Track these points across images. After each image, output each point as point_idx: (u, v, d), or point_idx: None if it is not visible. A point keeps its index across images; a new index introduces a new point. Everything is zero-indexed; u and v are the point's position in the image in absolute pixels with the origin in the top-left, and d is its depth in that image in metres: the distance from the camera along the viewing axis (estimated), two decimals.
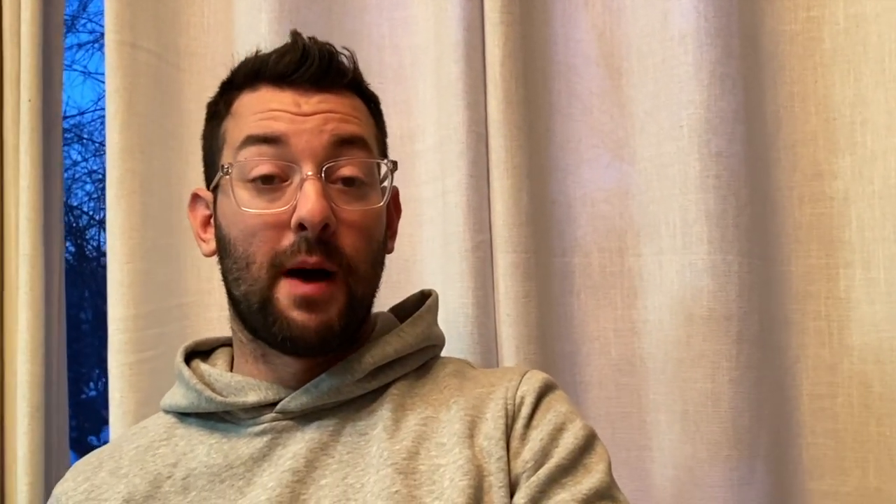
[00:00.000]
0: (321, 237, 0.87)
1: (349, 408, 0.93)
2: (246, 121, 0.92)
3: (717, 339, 1.19)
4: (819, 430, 1.25)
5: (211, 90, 1.36)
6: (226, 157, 0.93)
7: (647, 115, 1.27)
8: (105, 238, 1.33)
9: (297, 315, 0.88)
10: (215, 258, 0.98)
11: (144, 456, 0.94)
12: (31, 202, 1.33)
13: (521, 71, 1.25)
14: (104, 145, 1.34)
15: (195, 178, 1.36)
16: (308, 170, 0.89)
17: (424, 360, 0.99)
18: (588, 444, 0.90)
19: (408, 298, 1.06)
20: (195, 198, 1.00)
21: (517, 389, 0.93)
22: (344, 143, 0.91)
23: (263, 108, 0.91)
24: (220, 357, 1.01)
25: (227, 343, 1.03)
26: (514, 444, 0.89)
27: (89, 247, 3.80)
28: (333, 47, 0.95)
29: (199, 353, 1.02)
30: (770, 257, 1.25)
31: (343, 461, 0.89)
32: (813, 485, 1.24)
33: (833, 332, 1.24)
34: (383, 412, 0.92)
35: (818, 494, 1.24)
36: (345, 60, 0.96)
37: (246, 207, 0.89)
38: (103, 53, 1.33)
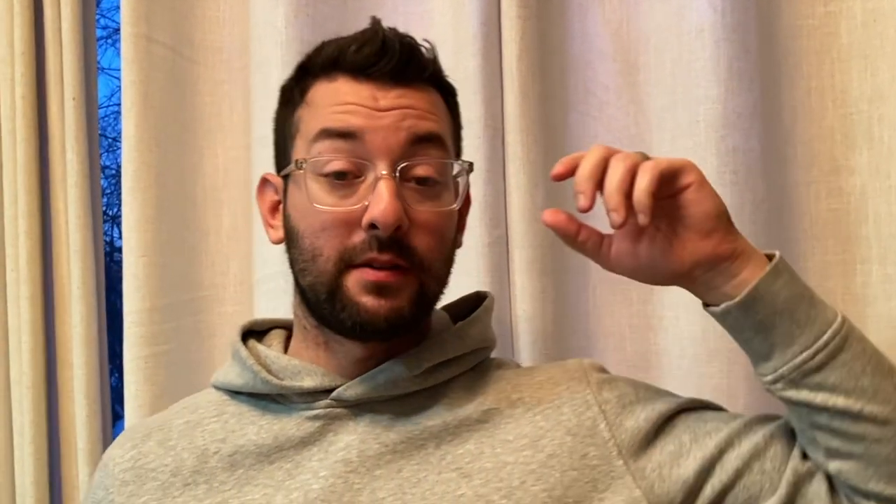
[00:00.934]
0: (393, 237, 0.87)
1: (404, 402, 0.93)
2: (321, 112, 0.91)
3: None
4: None
5: (227, 84, 1.37)
6: (299, 148, 0.92)
7: (664, 110, 1.26)
8: (117, 233, 1.34)
9: (367, 300, 0.88)
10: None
11: (194, 431, 0.95)
12: (79, 199, 1.35)
13: (538, 66, 1.25)
14: (117, 140, 1.35)
15: (210, 171, 1.37)
16: (382, 168, 0.88)
17: (478, 360, 0.99)
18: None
19: (462, 298, 1.06)
20: (264, 182, 1.00)
21: (588, 382, 0.96)
22: (420, 141, 0.90)
23: (340, 100, 0.90)
24: (275, 339, 1.02)
25: (281, 325, 1.04)
26: (617, 419, 0.93)
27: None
28: (414, 40, 0.94)
29: (253, 333, 1.03)
30: (786, 253, 1.23)
31: (398, 452, 0.89)
32: None
33: None
34: (441, 410, 0.92)
35: None
36: (425, 53, 0.94)
37: (317, 202, 0.89)
38: (116, 49, 1.34)
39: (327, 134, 0.90)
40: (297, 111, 0.94)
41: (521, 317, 1.22)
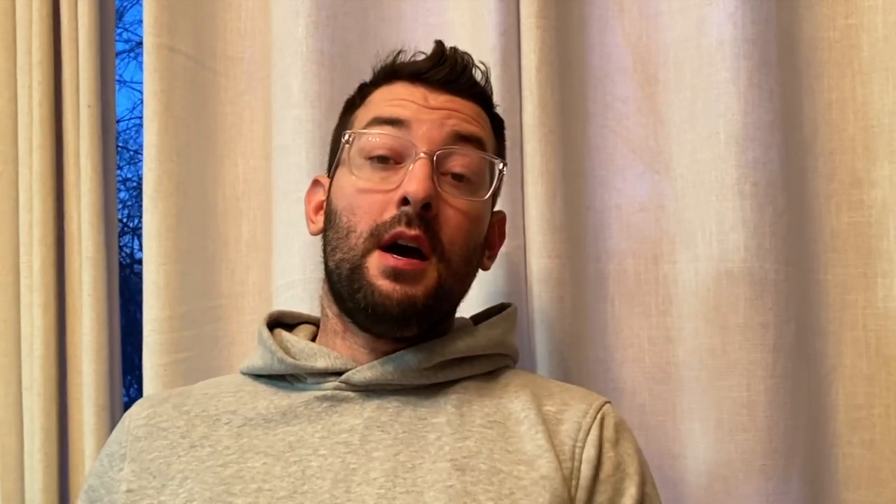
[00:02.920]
0: (422, 214, 0.91)
1: (412, 394, 0.95)
2: (376, 106, 0.99)
3: (753, 347, 1.18)
4: (855, 440, 1.23)
5: (248, 94, 1.38)
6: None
7: (684, 122, 1.26)
8: (137, 245, 1.34)
9: (383, 284, 0.92)
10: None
11: (209, 401, 0.99)
12: (93, 206, 1.36)
13: (557, 77, 1.25)
14: (138, 153, 1.35)
15: (231, 180, 1.38)
16: (421, 152, 0.93)
17: (495, 367, 1.01)
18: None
19: (488, 309, 1.09)
20: (315, 183, 1.06)
21: (589, 432, 0.93)
22: (461, 139, 0.97)
23: (394, 97, 0.98)
24: (302, 331, 1.06)
25: (309, 321, 1.08)
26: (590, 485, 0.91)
27: (122, 254, 3.81)
28: (471, 58, 1.02)
29: (283, 325, 1.07)
30: (807, 266, 1.24)
31: (398, 438, 0.91)
32: (848, 495, 1.23)
33: (871, 342, 1.23)
34: (447, 405, 0.94)
35: None
36: (479, 73, 1.02)
37: (358, 175, 0.95)
38: (138, 62, 1.35)
39: (378, 121, 0.97)
40: (355, 112, 1.02)
41: (539, 326, 1.22)
